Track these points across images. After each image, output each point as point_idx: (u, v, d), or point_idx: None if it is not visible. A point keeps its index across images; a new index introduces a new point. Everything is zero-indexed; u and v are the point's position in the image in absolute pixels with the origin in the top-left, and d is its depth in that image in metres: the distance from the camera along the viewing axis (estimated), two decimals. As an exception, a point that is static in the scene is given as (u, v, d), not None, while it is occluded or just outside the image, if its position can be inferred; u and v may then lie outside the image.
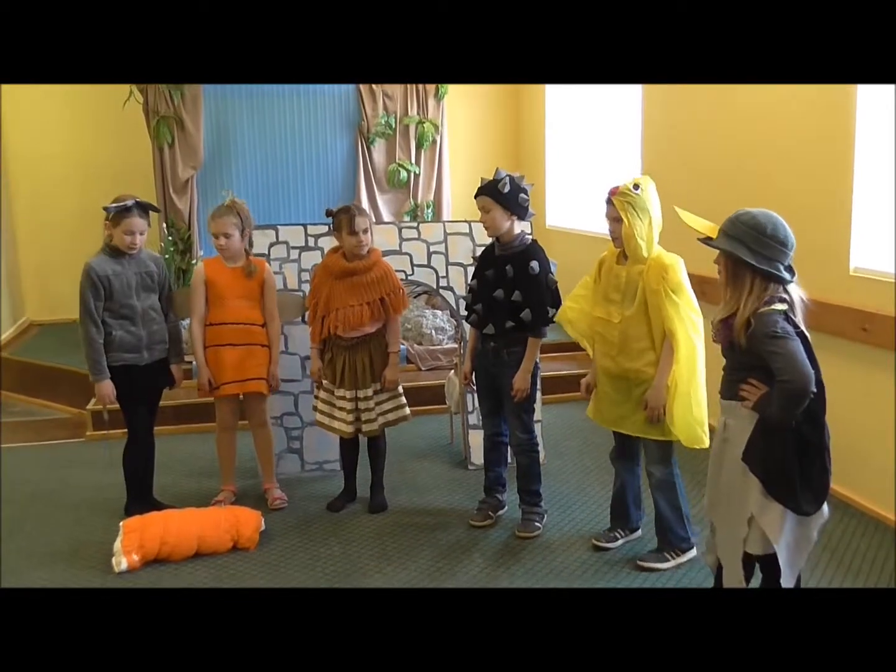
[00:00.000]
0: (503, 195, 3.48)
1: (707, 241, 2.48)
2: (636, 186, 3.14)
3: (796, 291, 2.43)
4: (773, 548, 2.39)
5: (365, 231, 3.73)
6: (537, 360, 3.62)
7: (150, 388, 3.83)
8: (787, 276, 2.39)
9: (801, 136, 4.07)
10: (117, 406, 3.72)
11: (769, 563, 2.46)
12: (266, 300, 3.93)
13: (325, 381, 3.87)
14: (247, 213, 3.86)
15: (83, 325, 3.60)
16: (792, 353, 2.29)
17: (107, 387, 3.62)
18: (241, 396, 3.97)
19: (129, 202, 3.60)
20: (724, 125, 4.70)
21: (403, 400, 3.93)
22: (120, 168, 6.94)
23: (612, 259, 3.32)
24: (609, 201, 3.21)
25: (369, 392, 3.80)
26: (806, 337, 2.38)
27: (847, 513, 3.80)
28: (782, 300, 2.37)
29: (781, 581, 2.42)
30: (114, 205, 3.58)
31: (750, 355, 2.38)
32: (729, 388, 2.52)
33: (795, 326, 2.35)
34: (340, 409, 3.83)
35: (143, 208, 3.65)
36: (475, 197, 3.56)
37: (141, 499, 3.81)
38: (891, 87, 3.57)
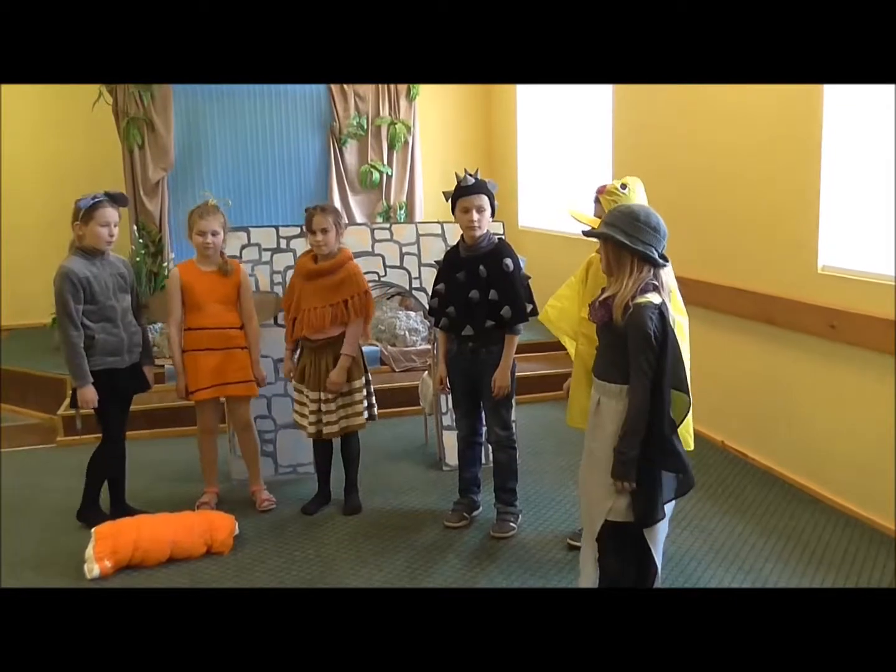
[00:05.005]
0: (492, 194, 3.51)
1: (590, 232, 2.66)
2: (623, 186, 3.14)
3: (669, 276, 2.63)
4: (632, 517, 2.57)
5: (324, 230, 3.71)
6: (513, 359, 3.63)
7: (129, 392, 3.81)
8: (660, 261, 2.55)
9: (769, 136, 4.11)
10: (89, 410, 3.67)
11: (623, 532, 2.62)
12: (243, 301, 3.91)
13: (294, 382, 3.87)
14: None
15: (63, 329, 3.50)
16: (640, 388, 2.47)
17: (91, 392, 3.55)
18: (223, 400, 3.95)
19: (100, 194, 3.57)
20: (693, 125, 4.74)
21: (360, 407, 3.84)
22: (90, 170, 6.86)
23: (600, 260, 3.32)
24: (597, 200, 3.22)
25: (331, 395, 3.79)
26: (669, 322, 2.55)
27: (817, 508, 3.85)
28: (655, 287, 2.52)
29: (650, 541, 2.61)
30: (85, 199, 3.53)
31: (624, 337, 2.52)
32: (602, 368, 2.65)
33: (663, 317, 2.50)
34: (308, 409, 3.83)
35: (114, 199, 3.61)
36: (468, 195, 3.46)
37: (96, 506, 3.77)
38: (857, 87, 3.62)
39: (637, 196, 3.16)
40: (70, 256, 3.59)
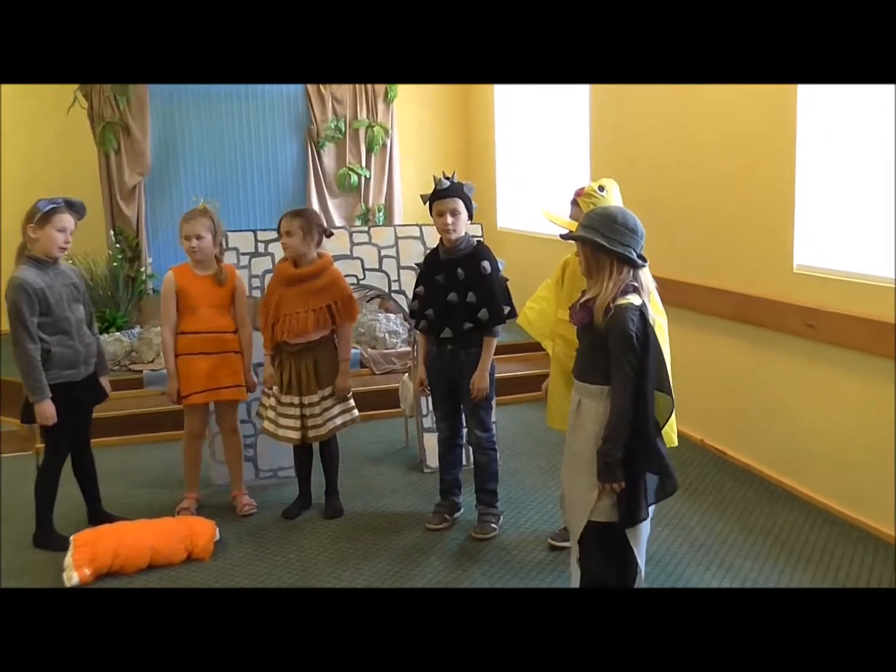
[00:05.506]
0: (468, 198, 3.51)
1: (568, 235, 2.67)
2: (601, 188, 3.14)
3: (648, 276, 2.62)
4: (615, 517, 2.57)
5: (288, 234, 3.69)
6: (492, 361, 3.64)
7: (86, 404, 3.73)
8: (639, 261, 2.56)
9: (744, 136, 4.15)
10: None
11: (605, 532, 2.62)
12: (237, 306, 3.89)
13: (273, 388, 3.85)
14: (218, 219, 3.85)
15: (20, 343, 3.39)
16: (622, 389, 2.48)
17: (50, 407, 3.45)
18: (212, 404, 3.93)
19: (59, 199, 3.48)
20: (669, 126, 4.77)
21: (351, 403, 3.90)
22: (66, 175, 6.76)
23: (577, 261, 3.32)
24: (574, 203, 3.22)
25: (315, 398, 3.77)
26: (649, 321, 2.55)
27: (796, 505, 3.88)
28: (635, 288, 2.53)
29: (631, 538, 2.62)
30: (44, 201, 3.43)
31: (605, 338, 2.53)
32: (582, 369, 2.66)
33: (644, 318, 2.50)
34: (287, 416, 3.80)
35: (72, 207, 3.52)
36: (443, 199, 3.48)
37: (50, 528, 3.64)
38: (831, 87, 3.66)
39: (613, 198, 3.17)
40: (21, 266, 3.45)
